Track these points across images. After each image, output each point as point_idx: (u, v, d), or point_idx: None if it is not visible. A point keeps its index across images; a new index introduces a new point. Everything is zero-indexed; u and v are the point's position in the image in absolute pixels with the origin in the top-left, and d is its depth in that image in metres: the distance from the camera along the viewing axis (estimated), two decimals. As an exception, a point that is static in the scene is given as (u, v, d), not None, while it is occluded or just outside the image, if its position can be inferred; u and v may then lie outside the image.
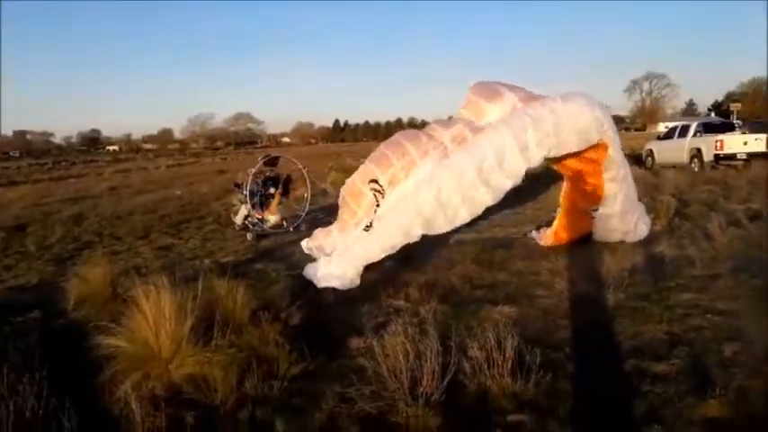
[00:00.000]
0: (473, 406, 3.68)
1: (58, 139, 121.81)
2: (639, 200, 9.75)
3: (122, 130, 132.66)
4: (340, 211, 6.98)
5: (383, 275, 7.08)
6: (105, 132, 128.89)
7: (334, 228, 6.99)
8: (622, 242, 8.02)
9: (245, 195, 10.98)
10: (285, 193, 11.61)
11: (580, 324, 5.13)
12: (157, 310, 4.34)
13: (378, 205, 6.42)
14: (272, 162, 11.96)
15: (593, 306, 5.53)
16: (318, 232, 7.22)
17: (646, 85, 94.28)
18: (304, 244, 7.39)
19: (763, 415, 3.40)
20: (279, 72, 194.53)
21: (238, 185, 11.89)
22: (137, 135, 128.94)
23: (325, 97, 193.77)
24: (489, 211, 11.82)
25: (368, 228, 6.36)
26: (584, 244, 8.15)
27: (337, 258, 6.46)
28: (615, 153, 7.11)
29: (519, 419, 3.49)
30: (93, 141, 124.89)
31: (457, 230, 9.92)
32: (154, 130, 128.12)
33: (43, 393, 3.55)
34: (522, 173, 6.47)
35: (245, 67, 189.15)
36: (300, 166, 12.48)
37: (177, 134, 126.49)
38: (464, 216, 6.48)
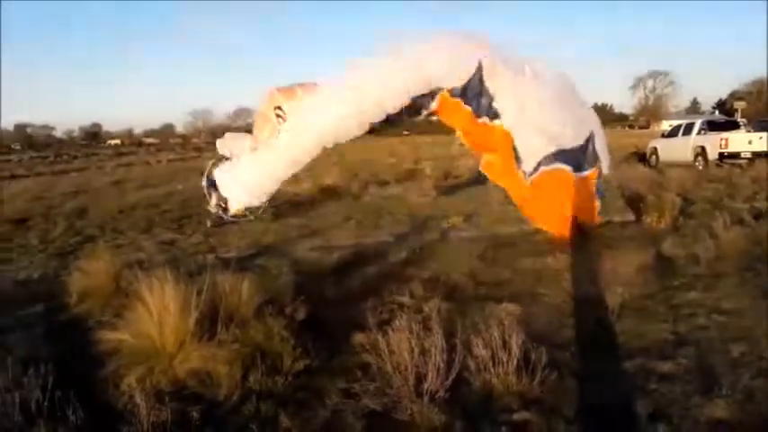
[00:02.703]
0: (478, 403, 3.67)
1: (59, 133, 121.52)
2: (642, 198, 9.80)
3: (124, 124, 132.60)
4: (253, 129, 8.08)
5: (386, 271, 7.09)
6: (106, 127, 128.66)
7: (248, 137, 8.11)
8: (628, 240, 8.00)
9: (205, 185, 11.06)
10: None
11: (585, 323, 5.11)
12: (161, 305, 4.33)
13: (279, 131, 7.39)
14: None
15: (598, 305, 5.51)
16: (230, 135, 8.60)
17: (650, 83, 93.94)
18: (219, 142, 8.72)
19: (770, 415, 3.39)
20: (279, 67, 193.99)
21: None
22: (138, 130, 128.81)
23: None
24: (492, 208, 11.93)
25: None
26: (586, 240, 8.11)
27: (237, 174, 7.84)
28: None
29: (524, 418, 3.48)
30: (94, 135, 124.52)
31: (459, 228, 10.04)
32: (156, 124, 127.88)
33: (48, 386, 3.55)
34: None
35: (246, 61, 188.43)
36: None
37: (179, 129, 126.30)
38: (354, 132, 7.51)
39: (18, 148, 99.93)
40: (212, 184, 10.95)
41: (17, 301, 6.38)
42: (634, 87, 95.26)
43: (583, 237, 8.09)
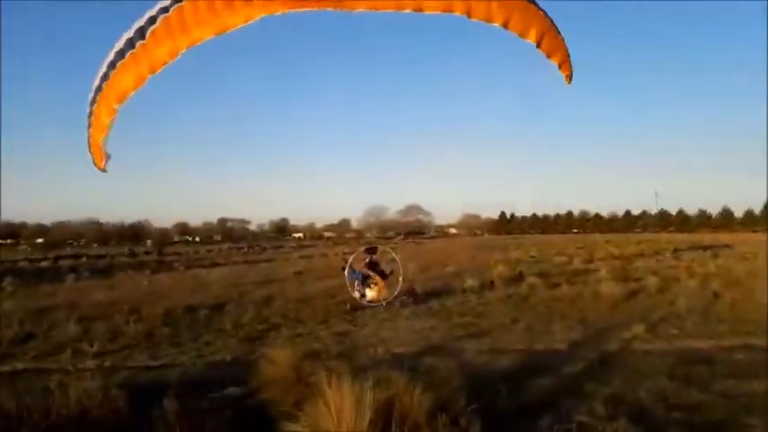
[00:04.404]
0: None
1: (253, 227, 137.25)
2: None
3: (307, 219, 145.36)
4: None
5: (562, 383, 6.65)
6: (292, 221, 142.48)
7: None
8: None
9: (346, 277, 14.18)
10: (383, 276, 14.36)
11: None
12: (339, 400, 4.50)
13: None
14: (372, 250, 14.95)
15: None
16: None
17: None
18: None
19: None
20: (449, 165, 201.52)
21: (344, 268, 14.89)
22: (319, 224, 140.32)
23: (492, 187, 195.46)
24: (680, 318, 10.78)
25: None
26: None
27: None
28: None
29: None
30: (281, 229, 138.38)
31: (642, 339, 9.17)
32: (335, 219, 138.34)
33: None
34: None
35: (418, 160, 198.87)
36: (395, 256, 15.42)
37: (354, 224, 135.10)
38: None
39: (219, 239, 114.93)
40: (353, 275, 13.96)
41: (212, 384, 7.03)
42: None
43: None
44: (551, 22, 5.64)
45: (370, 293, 14.20)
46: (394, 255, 15.88)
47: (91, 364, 8.65)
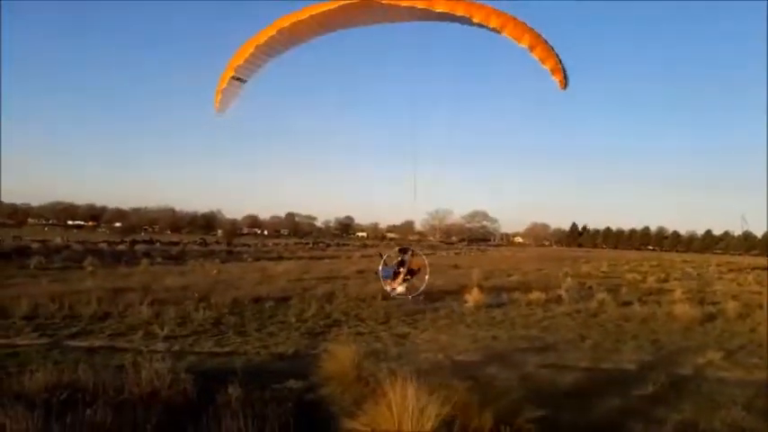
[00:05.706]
0: None
1: (319, 223, 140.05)
2: None
3: (371, 218, 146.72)
4: None
5: (629, 405, 6.36)
6: (357, 220, 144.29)
7: None
8: None
9: (379, 272, 15.03)
10: (410, 273, 15.16)
11: None
12: (401, 402, 4.47)
13: None
14: (404, 250, 16.06)
15: None
16: None
17: None
18: None
19: None
20: (517, 173, 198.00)
21: (376, 272, 16.38)
22: (383, 224, 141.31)
23: (562, 199, 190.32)
24: (765, 348, 10.08)
25: None
26: None
27: None
28: None
29: None
30: (345, 227, 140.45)
31: (718, 365, 8.64)
32: (398, 220, 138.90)
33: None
34: None
35: (483, 167, 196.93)
36: (424, 259, 16.27)
37: (418, 226, 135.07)
38: None
39: (286, 233, 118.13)
40: (385, 272, 14.82)
41: (274, 375, 7.18)
42: None
43: None
44: (540, 36, 7.26)
45: (399, 288, 15.43)
46: (424, 258, 17.31)
47: (161, 346, 9.03)
